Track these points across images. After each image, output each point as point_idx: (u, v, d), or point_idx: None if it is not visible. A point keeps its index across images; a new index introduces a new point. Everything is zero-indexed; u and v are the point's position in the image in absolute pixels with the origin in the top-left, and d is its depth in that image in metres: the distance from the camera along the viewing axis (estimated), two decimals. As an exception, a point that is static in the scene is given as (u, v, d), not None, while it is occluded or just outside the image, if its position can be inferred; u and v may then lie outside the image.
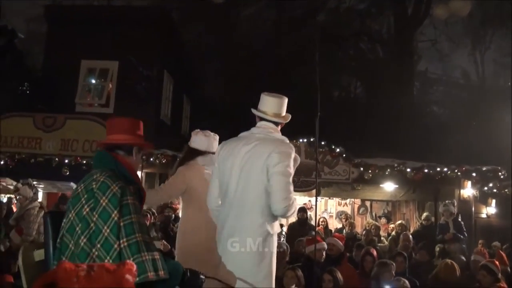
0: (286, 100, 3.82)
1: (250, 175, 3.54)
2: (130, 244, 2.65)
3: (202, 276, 2.85)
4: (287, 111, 3.86)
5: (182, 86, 16.90)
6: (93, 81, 13.85)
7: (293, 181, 3.64)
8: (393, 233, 10.93)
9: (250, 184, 3.54)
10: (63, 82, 13.20)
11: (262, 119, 3.78)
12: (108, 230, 2.65)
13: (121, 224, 2.68)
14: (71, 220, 2.77)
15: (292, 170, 3.57)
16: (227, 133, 4.77)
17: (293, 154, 3.60)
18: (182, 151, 5.01)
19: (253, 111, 3.82)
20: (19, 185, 8.26)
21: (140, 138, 3.16)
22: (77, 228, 2.72)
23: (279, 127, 3.81)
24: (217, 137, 4.78)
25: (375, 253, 7.44)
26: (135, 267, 1.92)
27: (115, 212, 2.68)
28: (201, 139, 4.74)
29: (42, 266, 2.90)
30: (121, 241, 2.66)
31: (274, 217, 3.60)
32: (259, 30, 23.62)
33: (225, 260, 3.55)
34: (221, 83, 22.76)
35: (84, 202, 2.76)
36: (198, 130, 4.84)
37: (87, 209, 2.72)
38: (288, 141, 3.72)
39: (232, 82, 21.74)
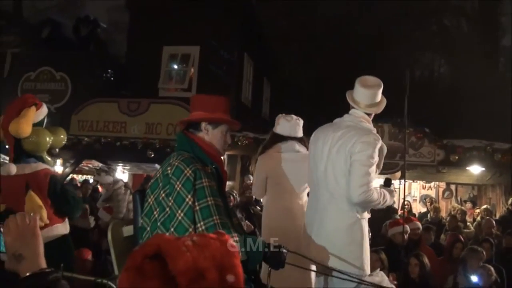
0: (380, 88, 3.75)
1: (336, 162, 3.59)
2: (208, 228, 2.67)
3: (284, 250, 2.85)
4: None
5: (262, 69, 16.90)
6: (175, 67, 14.08)
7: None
8: (478, 218, 10.52)
9: (337, 171, 3.58)
10: (145, 68, 13.50)
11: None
12: (182, 214, 2.68)
13: (197, 208, 2.70)
14: (150, 205, 2.84)
15: (374, 160, 3.53)
16: (307, 114, 4.72)
17: (379, 144, 3.57)
18: (268, 137, 4.90)
19: (348, 98, 3.79)
20: (97, 176, 8.62)
21: (212, 114, 3.01)
22: (155, 213, 2.79)
23: (372, 116, 3.80)
24: (301, 121, 4.69)
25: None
26: None
27: (189, 196, 2.70)
28: (283, 124, 4.64)
29: (130, 242, 3.01)
30: (199, 225, 2.69)
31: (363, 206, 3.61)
32: (339, 9, 23.19)
33: (318, 243, 3.60)
34: (301, 64, 22.56)
35: (161, 187, 2.80)
36: (281, 115, 4.74)
37: (163, 195, 2.77)
38: (375, 132, 3.71)
39: (312, 63, 21.53)
